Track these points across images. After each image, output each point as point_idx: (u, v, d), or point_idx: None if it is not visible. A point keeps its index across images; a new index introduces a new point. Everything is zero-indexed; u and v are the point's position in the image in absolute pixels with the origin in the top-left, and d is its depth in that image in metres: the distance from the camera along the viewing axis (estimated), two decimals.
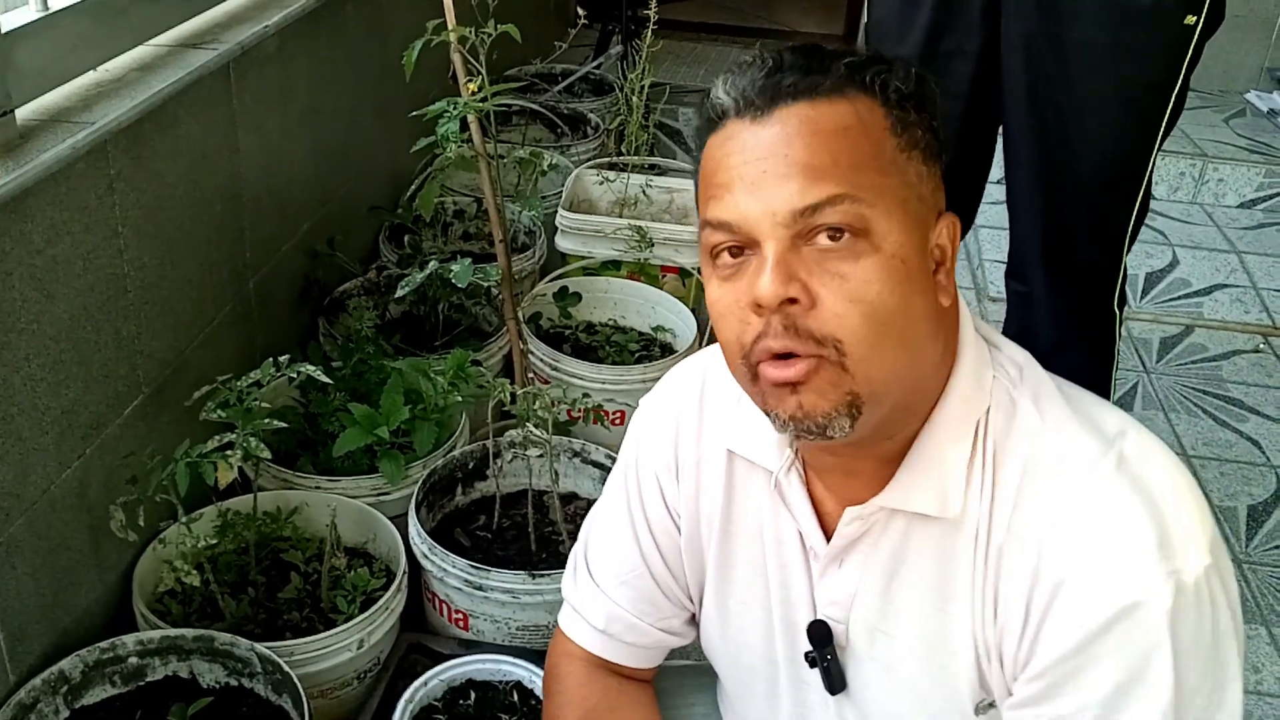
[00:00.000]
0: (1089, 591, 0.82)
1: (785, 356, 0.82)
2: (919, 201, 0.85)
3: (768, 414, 0.86)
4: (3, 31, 1.30)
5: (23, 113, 1.36)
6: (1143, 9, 1.57)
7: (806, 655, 0.99)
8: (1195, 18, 1.58)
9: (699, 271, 2.40)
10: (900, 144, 0.84)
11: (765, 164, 0.82)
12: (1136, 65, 1.62)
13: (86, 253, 1.39)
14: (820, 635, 0.98)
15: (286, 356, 1.51)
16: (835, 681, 0.98)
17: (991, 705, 0.93)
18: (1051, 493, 0.86)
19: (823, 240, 0.81)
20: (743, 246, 0.83)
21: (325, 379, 1.52)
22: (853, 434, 0.83)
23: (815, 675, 1.00)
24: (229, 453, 1.40)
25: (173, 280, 1.60)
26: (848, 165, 0.81)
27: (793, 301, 0.81)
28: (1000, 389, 0.90)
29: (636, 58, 2.54)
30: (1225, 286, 3.13)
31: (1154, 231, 3.32)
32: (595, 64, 3.28)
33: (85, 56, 1.49)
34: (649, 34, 2.45)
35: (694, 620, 1.12)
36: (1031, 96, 1.67)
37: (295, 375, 1.50)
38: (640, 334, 2.28)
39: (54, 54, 1.41)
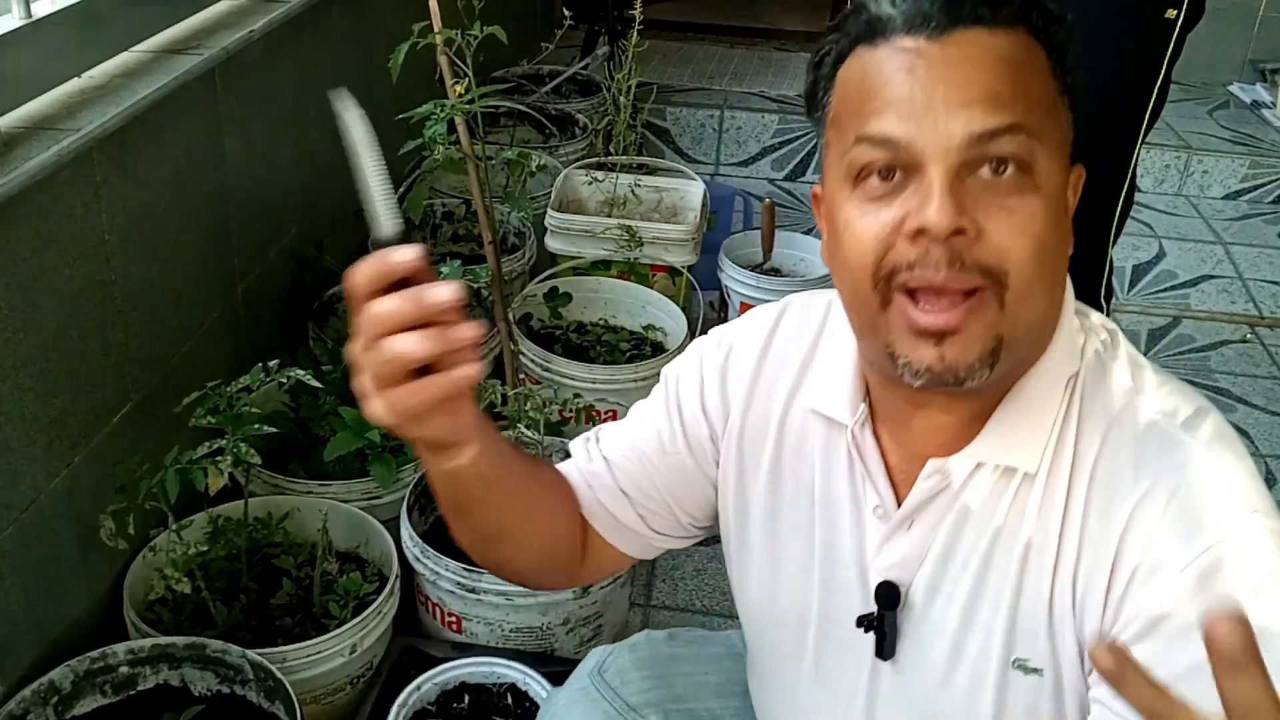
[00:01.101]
0: (1187, 537, 0.80)
1: (936, 298, 0.78)
2: (1068, 147, 0.85)
3: (892, 358, 0.82)
4: None
5: (6, 120, 1.35)
6: (1124, 3, 1.58)
7: (861, 619, 0.95)
8: (1176, 11, 1.59)
9: (688, 270, 2.41)
10: (1060, 86, 0.83)
11: (945, 85, 0.78)
12: (1118, 59, 1.63)
13: (73, 261, 1.38)
14: (890, 597, 0.93)
15: (276, 361, 1.51)
16: (889, 647, 0.94)
17: (1034, 669, 0.89)
18: (1141, 450, 0.84)
19: (987, 173, 0.78)
20: (897, 168, 0.79)
21: (315, 383, 1.51)
22: (989, 381, 0.81)
23: (854, 637, 0.96)
24: (219, 459, 1.40)
25: (160, 287, 1.59)
26: (1025, 97, 0.79)
27: (960, 232, 0.77)
28: (1091, 351, 0.90)
29: (623, 58, 2.54)
30: (1212, 277, 3.14)
31: (1140, 224, 3.33)
32: (582, 65, 3.28)
33: (69, 63, 1.48)
34: (634, 34, 2.45)
35: (679, 534, 1.06)
36: None
37: (285, 380, 1.50)
38: (631, 333, 2.28)
39: (38, 61, 1.41)
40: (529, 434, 1.61)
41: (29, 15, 1.39)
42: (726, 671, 1.17)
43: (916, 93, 0.78)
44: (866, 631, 0.95)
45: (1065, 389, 0.87)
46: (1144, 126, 1.70)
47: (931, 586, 0.92)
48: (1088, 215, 1.75)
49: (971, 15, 0.79)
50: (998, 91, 0.78)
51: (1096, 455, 0.86)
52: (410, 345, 0.72)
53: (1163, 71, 1.65)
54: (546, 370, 2.03)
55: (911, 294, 0.79)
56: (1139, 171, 1.77)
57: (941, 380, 0.80)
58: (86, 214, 1.40)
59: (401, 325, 0.72)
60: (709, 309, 2.61)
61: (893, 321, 0.80)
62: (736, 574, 1.06)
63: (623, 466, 1.03)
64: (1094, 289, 1.82)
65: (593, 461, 1.04)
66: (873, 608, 0.94)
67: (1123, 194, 1.74)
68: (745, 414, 1.00)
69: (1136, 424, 0.86)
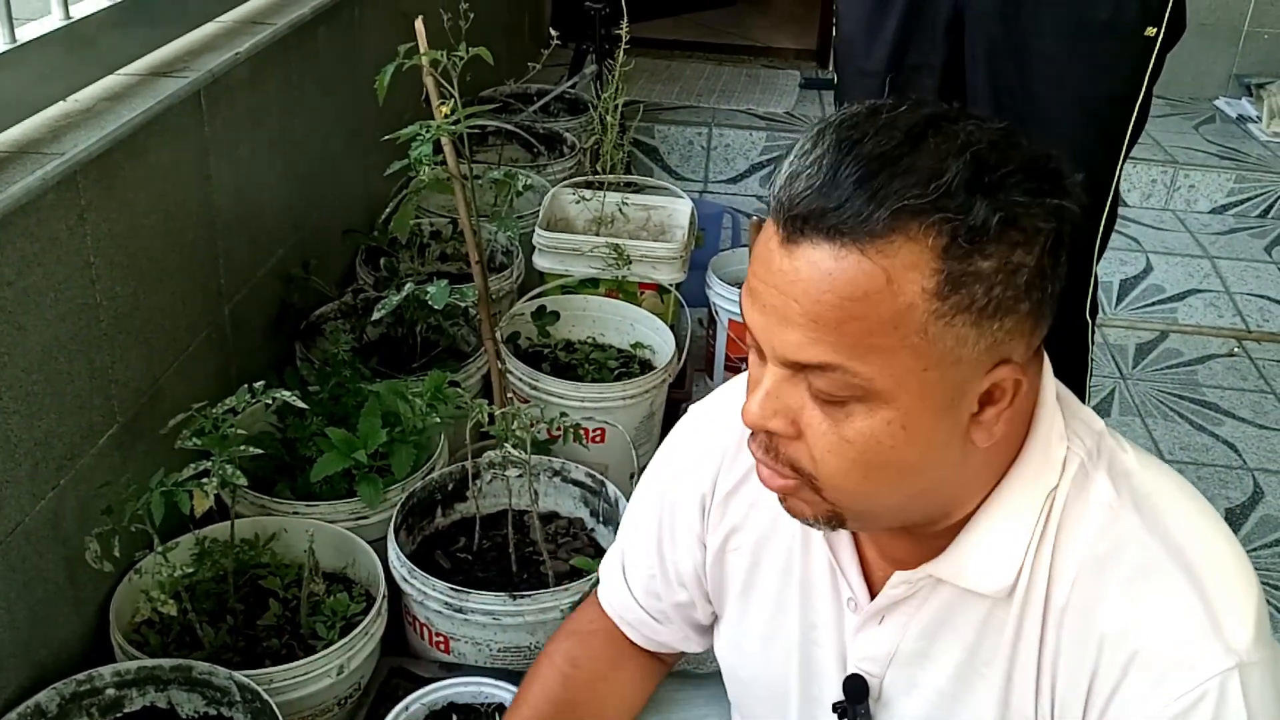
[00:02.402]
0: (1152, 687, 0.81)
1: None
2: (952, 365, 0.76)
3: None
4: None
5: None
6: (1101, 21, 1.59)
7: (835, 706, 0.98)
8: (1155, 29, 1.60)
9: (676, 288, 2.42)
10: (940, 309, 0.73)
11: (778, 295, 0.77)
12: (1098, 78, 1.64)
13: (58, 284, 1.38)
14: (857, 691, 0.96)
15: (262, 383, 1.51)
16: None
17: None
18: (1119, 579, 0.83)
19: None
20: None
21: (301, 404, 1.51)
22: (847, 529, 0.85)
23: (832, 718, 0.99)
24: (205, 480, 1.40)
25: (146, 309, 1.59)
26: (853, 334, 0.74)
27: (772, 432, 0.81)
28: (1074, 461, 0.86)
29: (610, 76, 2.55)
30: (1199, 291, 3.15)
31: (1127, 239, 3.35)
32: (570, 83, 3.29)
33: (55, 87, 1.49)
34: (621, 53, 2.46)
35: (709, 631, 1.12)
36: (995, 110, 1.68)
37: (271, 401, 1.50)
38: (619, 351, 2.28)
39: (23, 85, 1.41)
40: (515, 453, 1.61)
41: (14, 40, 1.40)
42: (724, 713, 1.18)
43: (763, 294, 0.78)
44: (841, 718, 0.97)
45: (1044, 504, 0.85)
46: (1125, 145, 1.71)
47: (909, 681, 0.94)
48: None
49: (821, 229, 0.73)
50: (820, 321, 0.74)
51: (1074, 579, 0.84)
52: None
53: (1143, 90, 1.66)
54: (534, 389, 2.03)
55: None
56: (1124, 186, 1.78)
57: (801, 522, 0.87)
58: (71, 237, 1.40)
59: None
60: (698, 326, 2.62)
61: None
62: (723, 646, 1.10)
63: (650, 594, 1.13)
64: (1079, 306, 1.83)
65: (628, 611, 1.14)
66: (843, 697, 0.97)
67: (1105, 212, 1.76)
68: (732, 499, 1.04)
69: (1115, 548, 0.84)
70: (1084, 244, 1.76)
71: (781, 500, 0.87)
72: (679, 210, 2.63)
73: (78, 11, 1.52)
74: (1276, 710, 0.81)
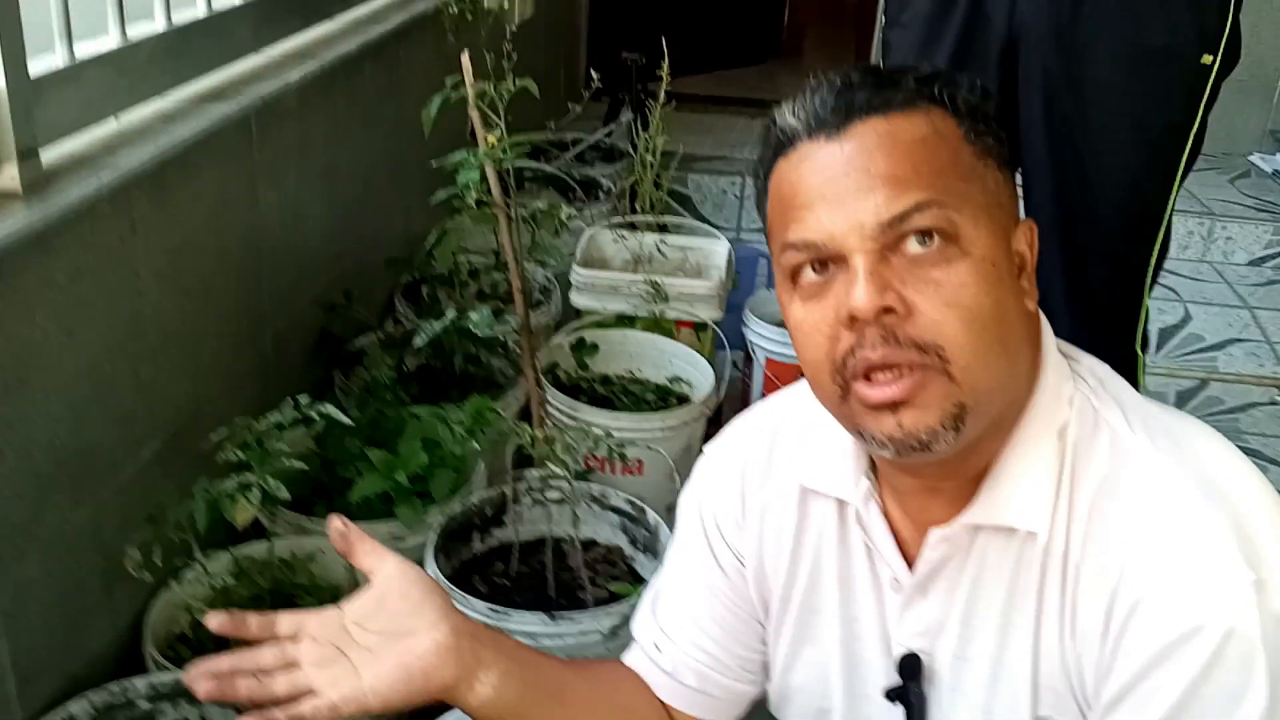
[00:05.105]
0: (1169, 609, 0.80)
1: (883, 371, 0.81)
2: (999, 208, 0.85)
3: (861, 434, 0.84)
4: (31, 77, 1.32)
5: (47, 157, 1.37)
6: (1157, 47, 1.59)
7: (889, 692, 0.96)
8: (1212, 57, 1.60)
9: (716, 325, 2.41)
10: (976, 151, 0.84)
11: (847, 180, 0.81)
12: (1153, 105, 1.64)
13: (108, 293, 1.39)
14: (911, 669, 0.94)
15: (306, 396, 1.51)
16: (919, 718, 0.95)
17: None
18: (1131, 508, 0.84)
19: (912, 248, 0.80)
20: (827, 261, 0.83)
21: (345, 419, 1.51)
22: (956, 446, 0.82)
23: (882, 714, 0.97)
24: (248, 491, 1.39)
25: (192, 327, 1.60)
26: (930, 172, 0.81)
27: (889, 311, 0.79)
28: (1082, 400, 0.89)
29: (650, 116, 2.58)
30: (1239, 341, 3.12)
31: (1165, 289, 3.33)
32: (606, 131, 3.33)
33: (109, 104, 1.51)
34: (662, 93, 2.49)
35: (765, 668, 1.08)
36: (1049, 137, 1.68)
37: (315, 416, 1.49)
38: (657, 386, 2.28)
39: (79, 101, 1.44)
40: (558, 470, 1.60)
41: (73, 59, 1.42)
42: None
43: (825, 191, 0.82)
44: (896, 703, 0.95)
45: (1058, 440, 0.87)
46: (1180, 173, 1.70)
47: (956, 654, 0.92)
48: (1123, 263, 1.76)
49: (864, 108, 0.83)
50: (900, 174, 0.81)
51: (1090, 512, 0.85)
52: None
53: (1199, 118, 1.65)
54: (573, 419, 2.02)
55: (865, 375, 0.82)
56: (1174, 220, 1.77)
57: (907, 447, 0.82)
58: (123, 248, 1.42)
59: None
60: (733, 368, 2.61)
61: (854, 404, 0.83)
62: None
63: (688, 641, 1.06)
64: (1129, 336, 1.81)
65: (661, 652, 1.07)
66: (898, 680, 0.95)
67: (1158, 240, 1.74)
68: (763, 518, 1.03)
69: (1128, 480, 0.85)
70: (1136, 273, 1.75)
71: (900, 416, 0.81)
72: (716, 251, 2.63)
73: (135, 34, 1.55)
74: None
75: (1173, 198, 1.70)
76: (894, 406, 0.81)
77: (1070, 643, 0.86)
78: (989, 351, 0.81)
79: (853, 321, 0.80)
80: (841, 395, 0.83)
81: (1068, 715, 0.89)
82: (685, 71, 4.10)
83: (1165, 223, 1.71)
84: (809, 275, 0.84)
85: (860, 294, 0.79)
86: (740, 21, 5.01)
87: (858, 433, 0.85)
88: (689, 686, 1.06)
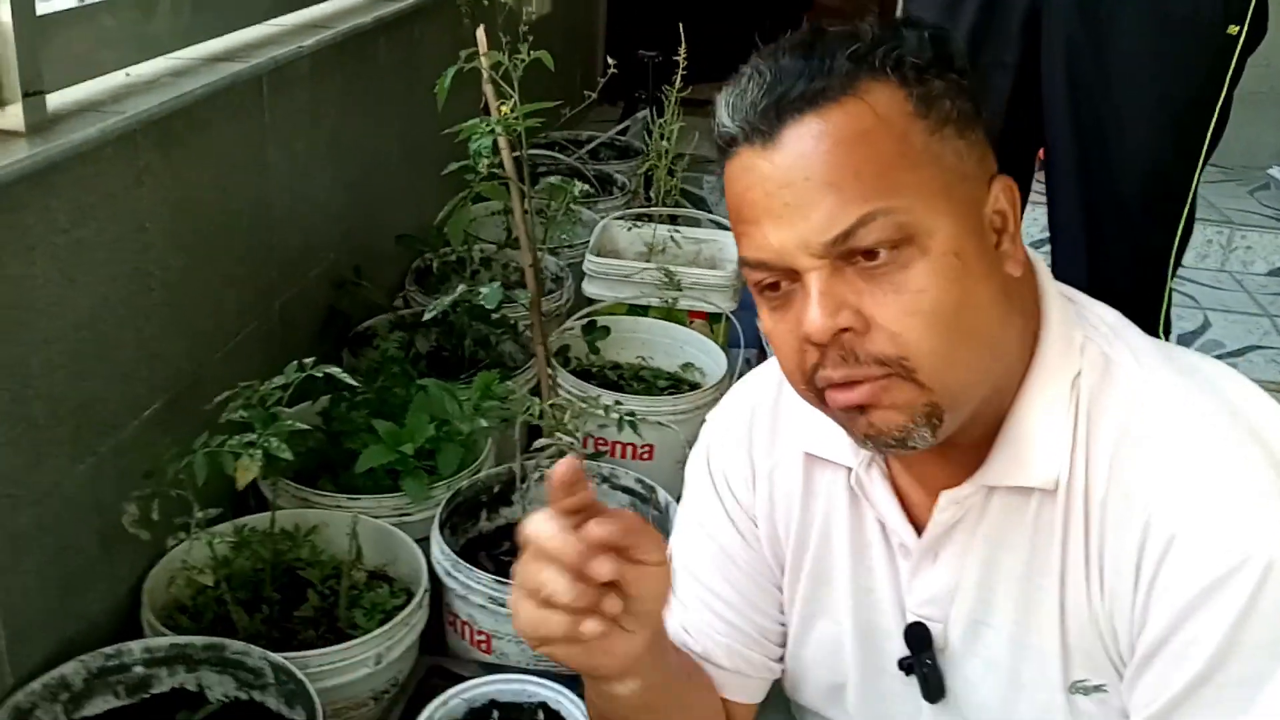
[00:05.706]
0: (1205, 545, 0.76)
1: (845, 386, 0.78)
2: (963, 181, 0.79)
3: (846, 434, 0.83)
4: (37, 15, 1.29)
5: (53, 101, 1.34)
6: (1182, 16, 1.55)
7: (901, 662, 0.92)
8: (1238, 28, 1.56)
9: (732, 316, 2.37)
10: (929, 125, 0.77)
11: (786, 193, 0.76)
12: (1177, 78, 1.60)
13: (111, 241, 1.35)
14: (919, 638, 0.91)
15: (312, 359, 1.47)
16: (934, 689, 0.91)
17: (1095, 688, 0.85)
18: (1156, 445, 0.80)
19: (864, 259, 0.76)
20: (780, 280, 0.79)
21: (351, 381, 1.47)
22: (939, 438, 0.79)
23: (901, 686, 0.93)
24: (250, 450, 1.34)
25: (197, 287, 1.56)
26: (873, 174, 0.75)
27: (846, 330, 0.76)
28: (1092, 347, 0.85)
29: (667, 105, 2.56)
30: (1259, 348, 3.07)
31: (1184, 296, 3.29)
32: (622, 127, 3.31)
33: (118, 53, 1.48)
34: (678, 80, 2.46)
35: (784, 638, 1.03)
36: (1072, 110, 1.64)
37: (318, 375, 1.45)
38: (669, 374, 2.23)
39: (87, 45, 1.40)
40: (568, 439, 1.55)
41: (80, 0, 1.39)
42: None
43: (769, 206, 0.77)
44: (909, 675, 0.92)
45: (1071, 391, 0.83)
46: (1204, 151, 1.66)
47: (974, 620, 0.88)
48: (1146, 243, 1.72)
49: (796, 106, 0.77)
50: (840, 180, 0.75)
51: (1112, 457, 0.81)
52: (556, 587, 0.70)
53: (1223, 93, 1.61)
54: (583, 401, 1.97)
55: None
56: (1198, 204, 1.72)
57: (884, 444, 0.79)
58: (128, 197, 1.38)
59: (558, 562, 0.70)
60: (745, 365, 2.56)
61: (829, 407, 0.81)
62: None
63: (709, 622, 1.01)
64: (1152, 320, 1.76)
65: (690, 635, 1.01)
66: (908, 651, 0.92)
67: (1182, 221, 1.70)
68: (771, 480, 0.98)
69: (1149, 420, 0.81)
70: (1159, 254, 1.70)
71: (869, 416, 0.79)
72: (729, 245, 2.58)
73: None
74: None
75: (1196, 178, 1.65)
76: (863, 408, 0.79)
77: (1100, 598, 0.82)
78: (958, 348, 0.77)
79: (810, 342, 0.78)
80: (818, 399, 0.82)
81: (1102, 676, 0.85)
82: (699, 79, 4.08)
83: (1189, 204, 1.67)
84: (769, 292, 0.81)
85: (813, 317, 0.76)
86: (759, 25, 4.99)
87: (843, 430, 0.84)
88: (723, 668, 1.01)
